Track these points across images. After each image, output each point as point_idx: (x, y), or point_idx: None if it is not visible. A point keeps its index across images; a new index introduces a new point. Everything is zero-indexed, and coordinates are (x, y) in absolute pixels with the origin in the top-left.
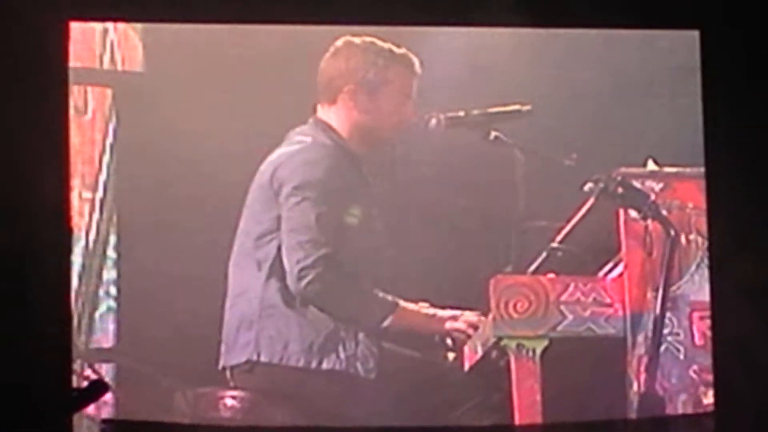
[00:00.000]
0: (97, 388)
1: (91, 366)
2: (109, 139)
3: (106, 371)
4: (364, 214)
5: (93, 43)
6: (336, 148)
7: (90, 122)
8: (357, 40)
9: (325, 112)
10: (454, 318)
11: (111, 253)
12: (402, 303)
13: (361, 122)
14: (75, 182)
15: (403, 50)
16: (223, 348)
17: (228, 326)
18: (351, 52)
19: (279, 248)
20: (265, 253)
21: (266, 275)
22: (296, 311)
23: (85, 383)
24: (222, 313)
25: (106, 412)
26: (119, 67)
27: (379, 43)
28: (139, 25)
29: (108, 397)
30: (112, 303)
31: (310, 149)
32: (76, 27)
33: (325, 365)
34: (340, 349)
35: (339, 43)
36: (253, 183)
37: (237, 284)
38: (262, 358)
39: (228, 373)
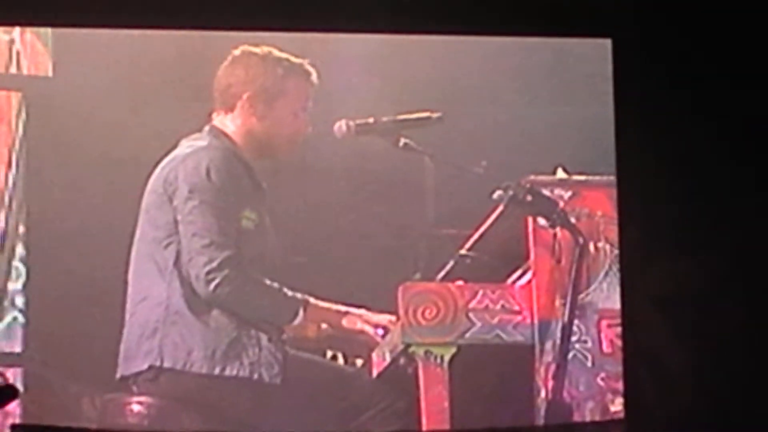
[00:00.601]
0: (7, 393)
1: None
2: (15, 149)
3: (14, 376)
4: (259, 218)
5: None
6: (229, 152)
7: None
8: (256, 49)
9: (220, 120)
10: (367, 318)
11: (17, 263)
12: (312, 300)
13: (257, 130)
14: None
15: (300, 60)
16: (121, 357)
17: (129, 334)
18: (250, 61)
19: (178, 253)
20: (164, 258)
21: (168, 281)
22: (200, 318)
23: None
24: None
25: (14, 417)
26: (25, 72)
27: (277, 53)
28: (47, 30)
29: (15, 402)
30: (17, 314)
31: (202, 153)
32: None
33: (228, 372)
34: (243, 355)
35: (237, 52)
36: (147, 188)
37: (137, 291)
38: (166, 364)
39: (130, 382)
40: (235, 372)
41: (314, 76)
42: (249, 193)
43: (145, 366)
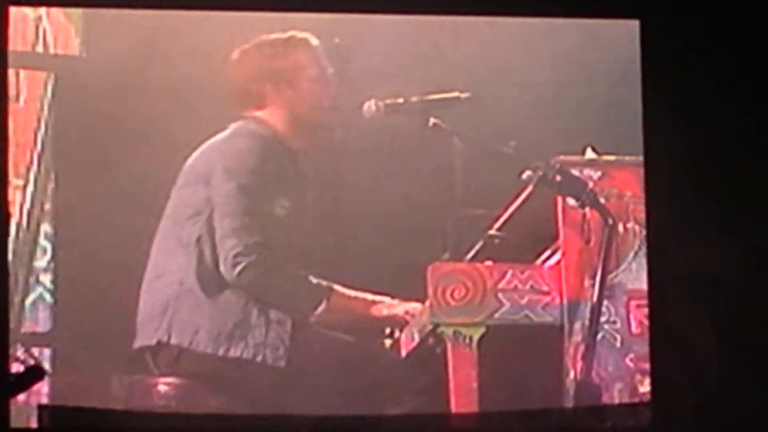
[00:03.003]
0: (34, 373)
1: (27, 351)
2: (43, 126)
3: (43, 356)
4: (295, 206)
5: (27, 29)
6: (270, 139)
7: (23, 109)
8: (247, 45)
9: (258, 115)
10: (392, 306)
11: (42, 241)
12: (338, 288)
13: (296, 111)
14: (8, 169)
15: (289, 33)
16: (138, 329)
17: (144, 306)
18: (249, 57)
19: (204, 230)
20: (188, 234)
21: (187, 258)
22: (209, 297)
23: (21, 368)
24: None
25: (43, 397)
26: (52, 51)
27: (266, 37)
28: (76, 10)
29: (45, 381)
30: (43, 291)
31: (243, 137)
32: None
33: (232, 353)
34: (249, 337)
35: (234, 55)
36: (184, 166)
37: (156, 265)
38: (173, 341)
39: (146, 355)
40: (239, 353)
41: (312, 40)
42: (286, 181)
43: (154, 341)
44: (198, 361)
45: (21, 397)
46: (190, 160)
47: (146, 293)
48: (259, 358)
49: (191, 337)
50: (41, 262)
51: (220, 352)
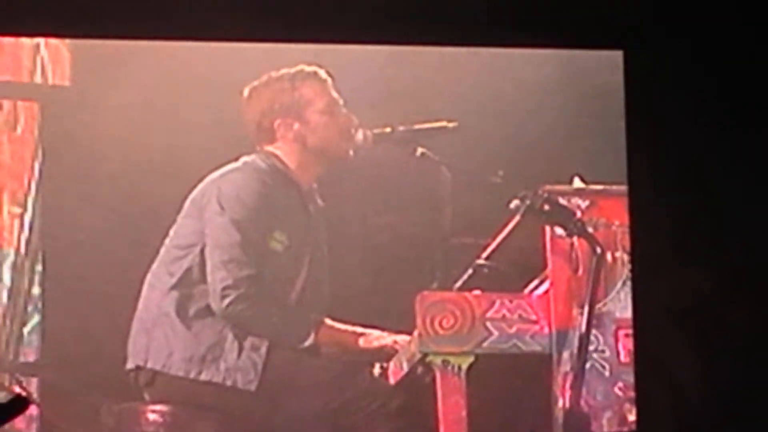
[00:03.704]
0: (19, 403)
1: (17, 380)
2: (38, 154)
3: (34, 386)
4: (291, 241)
5: (22, 58)
6: (276, 173)
7: (20, 138)
8: (256, 82)
9: (268, 149)
10: (381, 337)
11: (39, 268)
12: (328, 321)
13: (308, 145)
14: (3, 197)
15: (297, 68)
16: (128, 352)
17: (133, 330)
18: (258, 93)
19: (195, 262)
20: (179, 264)
21: (172, 285)
22: (184, 322)
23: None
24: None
25: (32, 428)
26: (49, 81)
27: (274, 73)
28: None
29: (33, 411)
30: (41, 318)
31: (246, 170)
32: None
33: (203, 376)
34: (221, 360)
35: (245, 93)
36: (189, 196)
37: (147, 292)
38: (149, 365)
39: (130, 378)
40: (209, 377)
41: (322, 73)
42: (284, 216)
43: (133, 365)
44: (171, 385)
45: (6, 427)
46: (195, 191)
47: (136, 319)
48: (229, 382)
49: (165, 360)
50: (39, 289)
51: (192, 375)
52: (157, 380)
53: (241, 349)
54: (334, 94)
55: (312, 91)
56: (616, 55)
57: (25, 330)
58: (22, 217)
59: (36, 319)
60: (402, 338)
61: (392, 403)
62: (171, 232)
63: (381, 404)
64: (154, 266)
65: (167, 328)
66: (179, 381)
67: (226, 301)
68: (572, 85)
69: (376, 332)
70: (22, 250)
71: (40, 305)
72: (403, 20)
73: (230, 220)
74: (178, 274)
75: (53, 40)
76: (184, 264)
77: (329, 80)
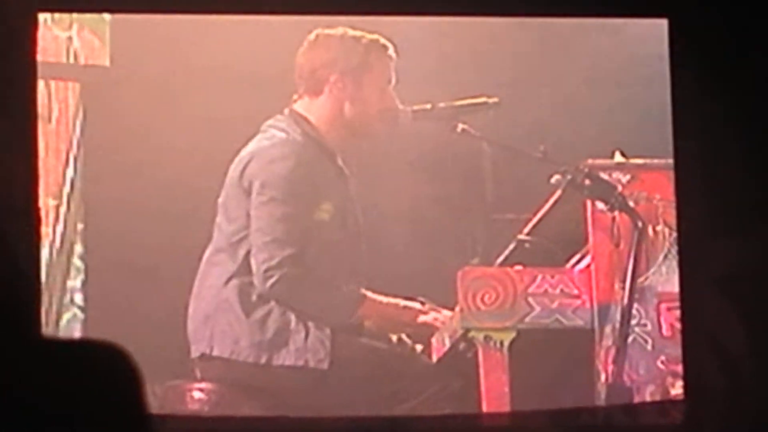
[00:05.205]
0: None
1: None
2: (74, 143)
3: None
4: (337, 207)
5: (57, 39)
6: (309, 143)
7: (54, 129)
8: (330, 30)
9: (305, 106)
10: (423, 311)
11: (76, 261)
12: (370, 295)
13: (349, 112)
14: (39, 190)
15: (375, 36)
16: (190, 340)
17: (192, 320)
18: (329, 42)
19: (249, 246)
20: (235, 249)
21: (232, 272)
22: (248, 308)
23: None
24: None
25: None
26: (83, 62)
27: (352, 31)
28: (105, 26)
29: None
30: (77, 311)
31: (279, 145)
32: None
33: (275, 361)
34: (290, 342)
35: (312, 36)
36: (226, 179)
37: (205, 278)
38: (215, 352)
39: (194, 365)
40: (281, 361)
41: (391, 50)
42: (327, 185)
43: (198, 354)
44: (241, 371)
45: None
46: (228, 175)
47: (194, 305)
48: (300, 363)
49: (232, 347)
50: (75, 282)
51: (263, 360)
52: (224, 367)
53: (307, 330)
54: (393, 75)
55: (380, 64)
56: (661, 24)
57: (61, 323)
58: (57, 208)
59: (72, 311)
60: (443, 313)
61: (435, 380)
62: (219, 216)
63: (427, 382)
64: (209, 251)
65: (230, 315)
66: (241, 365)
67: (270, 282)
68: (615, 55)
69: (418, 305)
70: (57, 243)
71: (76, 298)
72: None
73: (271, 198)
74: (237, 260)
75: (86, 30)
76: (240, 249)
77: (395, 59)
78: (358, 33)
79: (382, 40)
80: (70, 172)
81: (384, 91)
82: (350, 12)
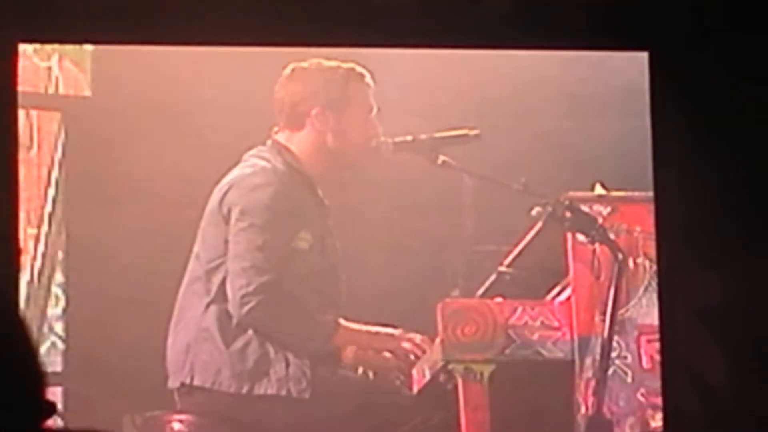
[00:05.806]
0: (46, 408)
1: None
2: (55, 172)
3: (55, 395)
4: (315, 237)
5: (38, 69)
6: (290, 172)
7: (35, 158)
8: (305, 63)
9: (286, 137)
10: (399, 338)
11: (55, 289)
12: (344, 323)
13: (331, 144)
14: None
15: (351, 64)
16: (168, 370)
17: (171, 349)
18: (305, 75)
19: (226, 274)
20: (210, 277)
21: (209, 300)
22: (228, 337)
23: None
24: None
25: None
26: (63, 92)
27: (327, 62)
28: (85, 55)
29: (57, 421)
30: (56, 340)
31: (261, 173)
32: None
33: (256, 390)
34: (271, 372)
35: (287, 71)
36: (206, 207)
37: (185, 307)
38: (195, 382)
39: (175, 395)
40: (263, 390)
41: (368, 77)
42: (307, 214)
43: (178, 383)
44: (222, 401)
45: None
46: (210, 201)
47: (174, 335)
48: (283, 392)
49: (213, 377)
50: (55, 310)
51: (244, 390)
52: (205, 397)
53: (287, 360)
54: (373, 103)
55: (359, 94)
56: (642, 56)
57: (41, 350)
58: (37, 236)
59: (50, 340)
60: (418, 338)
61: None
62: (197, 245)
63: (408, 414)
64: (186, 280)
65: (210, 345)
66: (222, 395)
67: (246, 308)
68: (596, 87)
69: (393, 331)
70: (36, 270)
71: (55, 326)
72: (424, 24)
73: (250, 225)
74: (213, 288)
75: (67, 60)
76: (218, 277)
77: (372, 87)
78: (333, 63)
79: (359, 69)
80: (50, 202)
81: (367, 120)
82: (331, 44)
